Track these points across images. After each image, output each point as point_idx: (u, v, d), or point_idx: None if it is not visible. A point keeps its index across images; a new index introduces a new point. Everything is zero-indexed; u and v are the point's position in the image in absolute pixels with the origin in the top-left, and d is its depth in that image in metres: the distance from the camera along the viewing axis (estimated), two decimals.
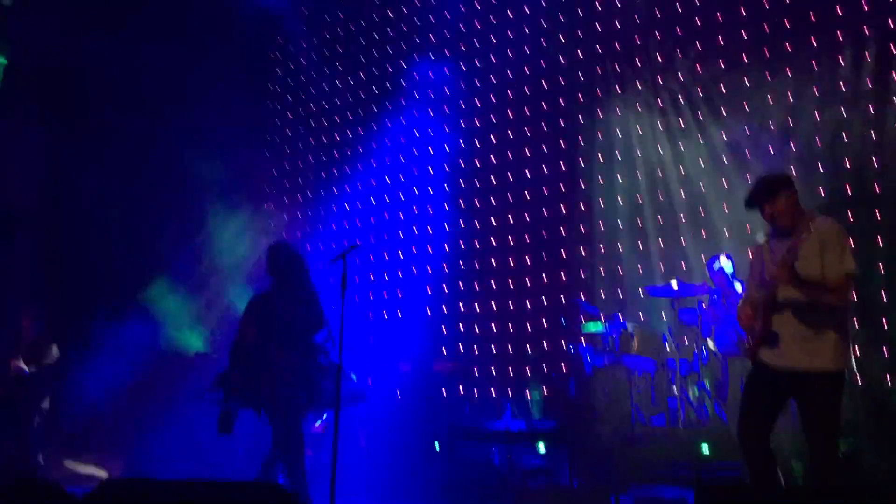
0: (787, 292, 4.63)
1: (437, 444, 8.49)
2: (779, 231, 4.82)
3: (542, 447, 7.88)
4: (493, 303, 10.85)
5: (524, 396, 9.98)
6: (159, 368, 10.30)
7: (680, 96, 9.87)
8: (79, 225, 11.02)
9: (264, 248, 7.79)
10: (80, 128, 11.30)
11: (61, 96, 11.15)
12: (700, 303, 8.42)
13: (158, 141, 11.59)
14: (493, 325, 10.79)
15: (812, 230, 4.57)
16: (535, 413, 9.40)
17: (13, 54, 10.58)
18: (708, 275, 8.28)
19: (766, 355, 4.72)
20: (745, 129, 9.23)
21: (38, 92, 10.96)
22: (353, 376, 8.75)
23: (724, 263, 8.10)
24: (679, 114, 9.88)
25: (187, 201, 11.51)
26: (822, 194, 8.50)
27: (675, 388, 8.18)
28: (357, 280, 11.12)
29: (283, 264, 6.67)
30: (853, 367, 6.94)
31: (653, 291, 8.68)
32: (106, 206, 11.02)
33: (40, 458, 8.37)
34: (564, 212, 10.52)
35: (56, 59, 10.81)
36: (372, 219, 11.89)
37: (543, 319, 10.45)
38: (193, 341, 10.76)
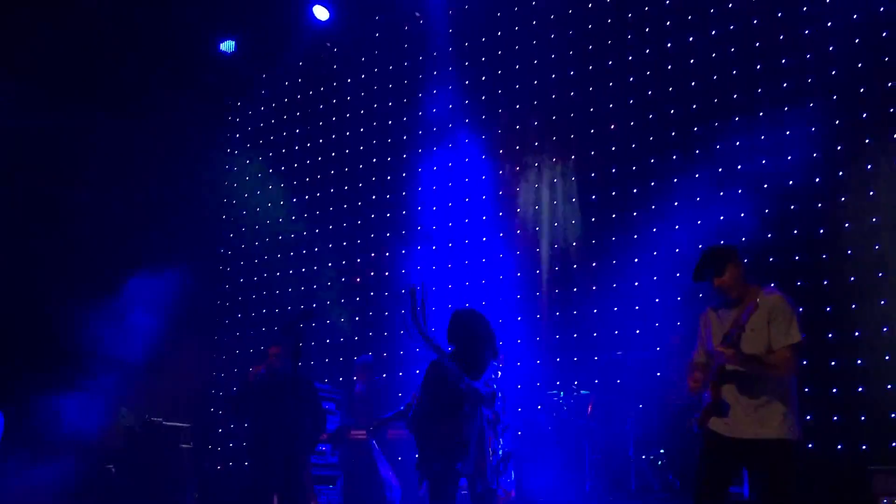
0: (734, 365, 4.69)
1: None
2: (725, 302, 4.90)
3: None
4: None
5: None
6: None
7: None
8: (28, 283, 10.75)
9: None
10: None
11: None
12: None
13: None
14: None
15: (759, 302, 4.65)
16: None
17: None
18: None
19: (717, 424, 4.76)
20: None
21: None
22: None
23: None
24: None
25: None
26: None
27: (629, 455, 8.16)
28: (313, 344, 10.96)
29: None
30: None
31: (608, 358, 8.71)
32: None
33: None
34: (521, 276, 10.56)
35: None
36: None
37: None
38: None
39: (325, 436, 8.83)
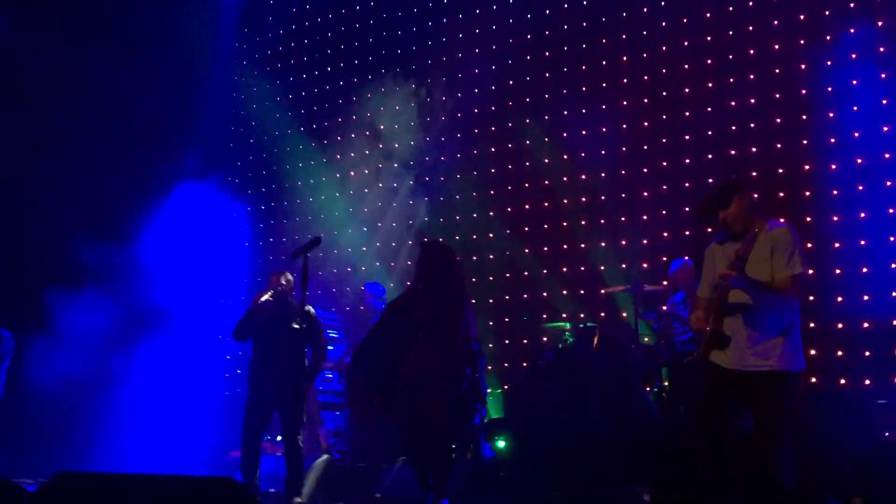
0: (737, 295, 4.70)
1: None
2: (731, 235, 4.89)
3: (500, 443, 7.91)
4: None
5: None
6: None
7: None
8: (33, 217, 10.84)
9: None
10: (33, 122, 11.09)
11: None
12: (659, 304, 8.50)
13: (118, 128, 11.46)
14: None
15: (762, 233, 4.64)
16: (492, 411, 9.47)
17: None
18: (670, 275, 8.36)
19: (718, 357, 4.78)
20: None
21: None
22: None
23: (684, 266, 8.17)
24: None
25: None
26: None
27: (633, 386, 8.23)
28: (320, 274, 11.02)
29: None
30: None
31: (614, 291, 8.75)
32: (62, 198, 10.86)
33: None
34: (528, 209, 10.55)
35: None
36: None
37: (505, 317, 10.48)
38: None
39: (330, 364, 8.98)
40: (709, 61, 9.69)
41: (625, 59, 10.27)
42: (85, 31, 11.14)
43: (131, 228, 11.06)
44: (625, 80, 10.21)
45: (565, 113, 10.41)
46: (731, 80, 9.42)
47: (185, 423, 10.42)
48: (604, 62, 10.43)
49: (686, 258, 8.24)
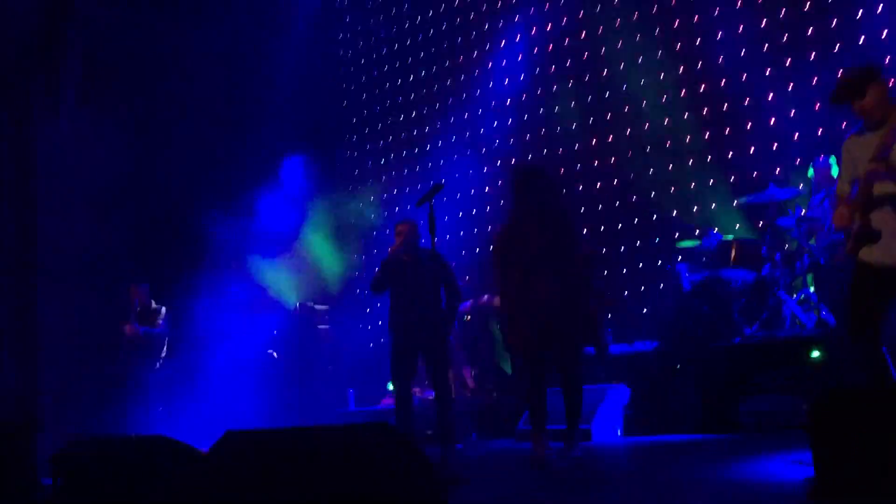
0: (883, 187, 4.43)
1: None
2: (869, 126, 4.61)
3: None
4: (583, 228, 10.75)
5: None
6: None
7: None
8: (168, 193, 11.38)
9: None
10: (160, 102, 11.58)
11: (138, 71, 11.42)
12: (798, 207, 8.18)
13: (234, 104, 11.81)
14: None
15: None
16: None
17: (89, 43, 10.85)
18: (810, 176, 8.02)
19: (867, 254, 4.54)
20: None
21: (115, 69, 11.25)
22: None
23: (828, 164, 7.83)
24: None
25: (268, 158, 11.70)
26: None
27: (777, 296, 8.02)
28: (446, 219, 11.14)
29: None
30: None
31: (748, 200, 8.47)
32: (193, 173, 11.32)
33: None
34: (647, 128, 10.30)
35: (130, 46, 11.06)
36: (455, 156, 11.85)
37: (637, 240, 10.34)
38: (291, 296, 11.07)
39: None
40: None
41: None
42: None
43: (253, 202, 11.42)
44: None
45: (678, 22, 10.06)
46: None
47: (333, 376, 10.82)
48: None
49: (822, 156, 7.89)
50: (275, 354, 10.47)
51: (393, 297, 7.19)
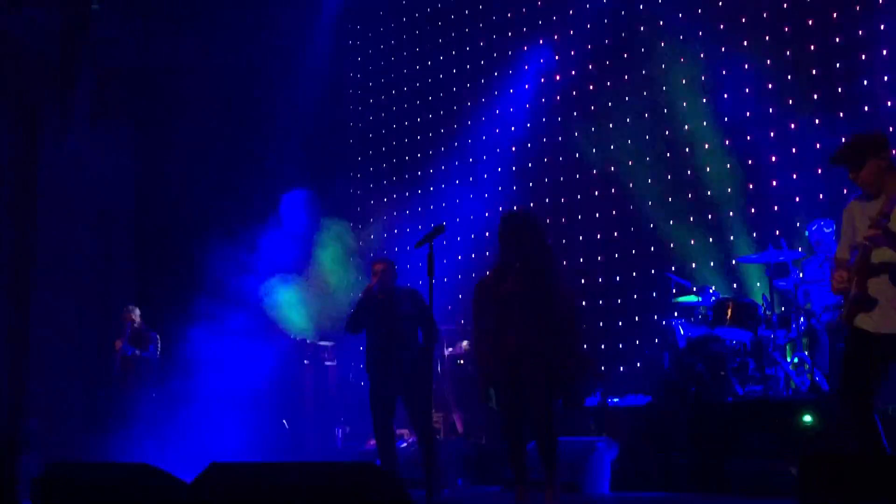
0: (881, 255, 4.45)
1: None
2: (866, 195, 4.64)
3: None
4: (581, 279, 10.78)
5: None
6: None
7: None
8: (171, 220, 11.42)
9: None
10: (168, 126, 11.69)
11: (147, 95, 11.55)
12: (796, 270, 8.20)
13: (240, 135, 11.89)
14: (582, 301, 10.72)
15: None
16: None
17: (101, 56, 10.97)
18: (808, 239, 8.04)
19: (863, 321, 4.54)
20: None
21: (125, 92, 11.37)
22: None
23: (824, 228, 7.86)
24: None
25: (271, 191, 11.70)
26: None
27: (772, 358, 8.00)
28: (444, 262, 11.15)
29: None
30: None
31: (746, 260, 8.49)
32: (196, 201, 11.37)
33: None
34: (650, 182, 10.35)
35: (141, 59, 11.19)
36: (457, 200, 11.89)
37: (634, 294, 10.34)
38: (303, 327, 10.94)
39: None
40: None
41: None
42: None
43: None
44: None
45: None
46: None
47: (318, 415, 10.71)
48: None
49: (822, 221, 7.92)
50: (286, 423, 10.37)
51: (369, 336, 7.14)
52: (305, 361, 10.63)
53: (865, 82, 8.96)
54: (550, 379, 5.43)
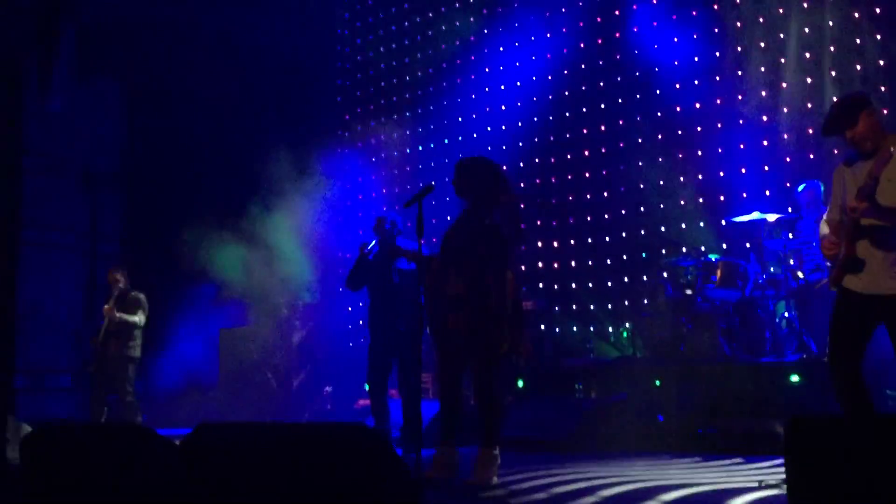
0: (870, 218, 4.45)
1: (520, 382, 8.54)
2: (860, 154, 4.61)
3: None
4: (571, 239, 10.77)
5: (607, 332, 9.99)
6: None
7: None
8: (158, 182, 11.29)
9: None
10: (156, 86, 11.51)
11: (135, 55, 11.35)
12: (786, 231, 8.20)
13: (231, 97, 11.73)
14: (572, 261, 10.73)
15: (893, 151, 4.35)
16: (628, 348, 9.42)
17: (89, 15, 10.77)
18: (798, 200, 8.03)
19: (852, 282, 4.55)
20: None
21: (113, 52, 11.18)
22: None
23: (813, 189, 7.84)
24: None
25: (264, 157, 11.55)
26: None
27: (760, 319, 8.03)
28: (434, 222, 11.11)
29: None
30: None
31: (736, 220, 8.49)
32: (184, 162, 11.25)
33: (139, 417, 8.69)
34: (641, 142, 10.31)
35: (128, 12, 10.97)
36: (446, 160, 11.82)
37: (623, 254, 10.35)
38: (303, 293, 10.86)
39: None
40: None
41: None
42: None
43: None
44: None
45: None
46: None
47: (312, 375, 10.73)
48: None
49: (813, 182, 7.91)
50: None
51: (370, 296, 7.12)
52: (296, 321, 10.61)
53: (858, 41, 8.91)
54: (478, 328, 5.19)
